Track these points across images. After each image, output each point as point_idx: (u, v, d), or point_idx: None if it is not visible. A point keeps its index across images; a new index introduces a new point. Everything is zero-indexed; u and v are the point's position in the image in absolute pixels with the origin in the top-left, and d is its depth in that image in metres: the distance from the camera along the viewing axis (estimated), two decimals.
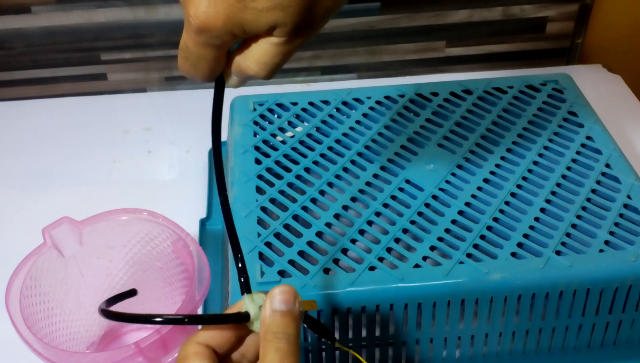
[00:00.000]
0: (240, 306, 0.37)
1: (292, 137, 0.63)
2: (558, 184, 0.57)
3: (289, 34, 0.37)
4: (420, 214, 0.55)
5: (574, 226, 0.53)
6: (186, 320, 0.37)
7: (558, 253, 0.51)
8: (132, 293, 0.49)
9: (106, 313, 0.40)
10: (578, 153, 0.60)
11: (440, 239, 0.52)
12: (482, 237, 0.52)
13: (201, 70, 0.39)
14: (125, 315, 0.39)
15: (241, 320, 0.36)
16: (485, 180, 0.58)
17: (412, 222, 0.54)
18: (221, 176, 0.41)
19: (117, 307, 0.46)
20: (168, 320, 0.37)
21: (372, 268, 0.50)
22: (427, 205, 0.55)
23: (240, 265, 0.39)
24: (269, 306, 0.35)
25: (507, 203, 0.55)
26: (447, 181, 0.57)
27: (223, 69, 0.40)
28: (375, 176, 0.58)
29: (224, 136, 0.70)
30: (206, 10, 0.35)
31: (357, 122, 0.64)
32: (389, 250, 0.52)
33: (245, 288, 0.38)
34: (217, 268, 0.61)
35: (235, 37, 0.37)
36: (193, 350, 0.35)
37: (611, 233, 0.53)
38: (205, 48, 0.37)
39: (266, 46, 0.38)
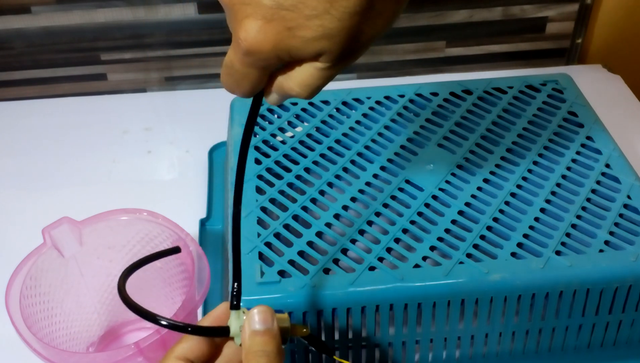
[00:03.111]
0: (216, 315, 0.38)
1: (292, 137, 0.63)
2: (558, 185, 0.57)
3: (333, 60, 0.38)
4: (420, 214, 0.55)
5: (574, 226, 0.53)
6: (189, 329, 0.38)
7: (558, 253, 0.51)
8: (175, 250, 0.47)
9: (121, 292, 0.40)
10: (578, 153, 0.60)
11: (440, 239, 0.52)
12: (482, 237, 0.52)
13: (243, 87, 0.40)
14: (133, 304, 0.40)
15: (225, 334, 0.38)
16: (485, 180, 0.58)
17: (412, 222, 0.54)
18: (240, 187, 0.41)
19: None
20: (170, 326, 0.38)
21: (372, 268, 0.50)
22: (427, 205, 0.55)
23: (235, 285, 0.40)
24: (248, 328, 0.37)
25: (507, 203, 0.55)
26: (447, 181, 0.57)
27: (264, 86, 0.41)
28: (375, 176, 0.58)
29: (223, 136, 0.70)
30: (256, 36, 0.36)
31: (357, 122, 0.64)
32: (389, 250, 0.52)
33: (236, 306, 0.39)
34: (217, 268, 0.61)
35: (281, 61, 0.38)
36: None
37: (611, 233, 0.53)
38: (251, 68, 0.38)
39: (310, 69, 0.39)
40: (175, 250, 0.47)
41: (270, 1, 0.35)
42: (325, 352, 0.43)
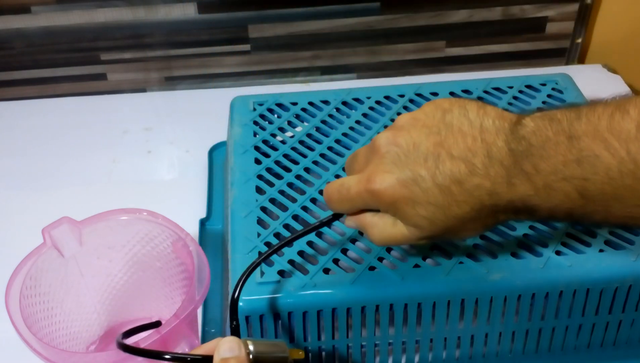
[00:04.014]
0: (209, 348, 0.41)
1: (292, 137, 0.63)
2: None
3: (423, 237, 0.44)
4: None
5: (574, 226, 0.53)
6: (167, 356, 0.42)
7: (558, 253, 0.51)
8: (156, 324, 0.49)
9: (121, 345, 0.43)
10: None
11: None
12: (482, 237, 0.52)
13: (341, 207, 0.47)
14: (136, 348, 0.43)
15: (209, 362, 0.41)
16: None
17: None
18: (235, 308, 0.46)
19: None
20: (175, 359, 0.42)
21: (372, 268, 0.50)
22: None
23: (234, 323, 0.45)
24: (217, 356, 0.40)
25: None
26: None
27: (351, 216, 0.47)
28: None
29: (223, 136, 0.70)
30: (387, 188, 0.42)
31: (357, 122, 0.64)
32: (388, 249, 0.52)
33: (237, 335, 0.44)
34: (217, 268, 0.61)
35: (384, 211, 0.45)
36: None
37: (611, 233, 0.53)
38: (360, 202, 0.45)
39: (401, 229, 0.44)
40: (157, 324, 0.49)
41: (411, 173, 0.42)
42: None
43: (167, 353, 0.42)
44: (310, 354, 0.51)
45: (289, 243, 0.50)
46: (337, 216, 0.48)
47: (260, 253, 0.51)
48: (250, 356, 0.41)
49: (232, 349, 0.40)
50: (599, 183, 0.37)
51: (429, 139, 0.42)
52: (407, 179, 0.42)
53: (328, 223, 0.49)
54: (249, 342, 0.41)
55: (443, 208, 0.42)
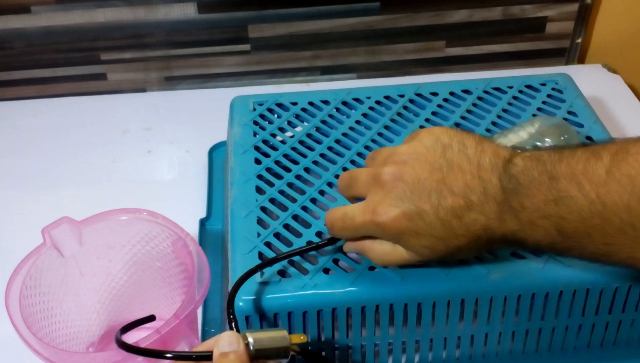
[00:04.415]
0: (209, 345, 0.42)
1: (292, 137, 0.63)
2: None
3: (421, 260, 0.47)
4: None
5: None
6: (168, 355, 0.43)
7: None
8: (150, 319, 0.49)
9: (122, 345, 0.44)
10: None
11: None
12: None
13: (344, 233, 0.48)
14: (137, 348, 0.44)
15: (208, 359, 0.42)
16: None
17: None
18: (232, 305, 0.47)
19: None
20: (178, 357, 0.42)
21: (372, 268, 0.50)
22: None
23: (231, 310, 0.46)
24: (217, 351, 0.41)
25: None
26: None
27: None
28: None
29: (223, 136, 0.70)
30: (392, 220, 0.44)
31: (357, 122, 0.64)
32: None
33: (236, 329, 0.46)
34: (217, 268, 0.61)
35: (387, 240, 0.47)
36: None
37: None
38: (363, 230, 0.47)
39: (402, 254, 0.47)
40: (151, 318, 0.49)
41: (415, 208, 0.44)
42: None
43: (168, 352, 0.42)
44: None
45: (288, 257, 0.51)
46: (335, 240, 0.50)
47: (260, 254, 0.51)
48: (251, 347, 0.41)
49: (231, 343, 0.41)
50: (573, 222, 0.41)
51: (432, 175, 0.45)
52: (412, 214, 0.44)
53: (324, 246, 0.50)
54: (248, 335, 0.42)
55: (444, 239, 0.45)
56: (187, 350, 0.50)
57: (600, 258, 0.42)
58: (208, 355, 0.41)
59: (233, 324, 0.46)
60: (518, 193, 0.42)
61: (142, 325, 0.48)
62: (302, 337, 0.44)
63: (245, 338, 0.42)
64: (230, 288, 0.48)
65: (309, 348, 0.50)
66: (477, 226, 0.44)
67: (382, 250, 0.47)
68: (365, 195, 0.47)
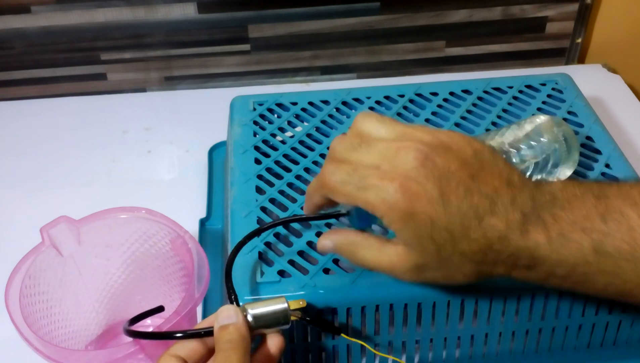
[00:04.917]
0: (210, 321, 0.43)
1: (292, 137, 0.63)
2: None
3: (411, 265, 0.44)
4: None
5: None
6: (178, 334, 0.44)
7: None
8: (159, 309, 0.49)
9: (131, 333, 0.44)
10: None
11: None
12: None
13: (341, 188, 0.43)
14: (145, 333, 0.44)
15: (209, 335, 0.43)
16: None
17: None
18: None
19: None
20: (187, 335, 0.43)
21: None
22: None
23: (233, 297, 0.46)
24: (217, 324, 0.42)
25: None
26: None
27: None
28: None
29: (223, 136, 0.70)
30: (415, 196, 0.41)
31: None
32: None
33: (236, 302, 0.46)
34: (217, 267, 0.61)
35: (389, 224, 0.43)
36: (168, 361, 0.42)
37: None
38: (373, 194, 0.42)
39: (387, 254, 0.44)
40: (160, 309, 0.50)
41: (439, 194, 0.41)
42: (330, 330, 0.48)
43: (177, 332, 0.43)
44: (310, 354, 0.51)
45: (291, 222, 0.52)
46: (340, 215, 0.48)
47: (260, 254, 0.51)
48: (250, 318, 0.43)
49: (229, 317, 0.42)
50: (618, 239, 0.39)
51: (463, 168, 0.42)
52: (435, 197, 0.41)
53: (327, 217, 0.49)
54: (247, 306, 0.43)
55: (455, 238, 0.41)
56: None
57: (625, 297, 0.41)
58: (207, 332, 0.43)
59: (233, 297, 0.46)
60: (553, 206, 0.41)
61: (144, 323, 0.48)
62: (301, 302, 0.45)
63: (244, 310, 0.43)
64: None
65: (308, 313, 0.48)
66: (493, 233, 0.41)
67: (368, 245, 0.45)
68: (386, 164, 0.42)
